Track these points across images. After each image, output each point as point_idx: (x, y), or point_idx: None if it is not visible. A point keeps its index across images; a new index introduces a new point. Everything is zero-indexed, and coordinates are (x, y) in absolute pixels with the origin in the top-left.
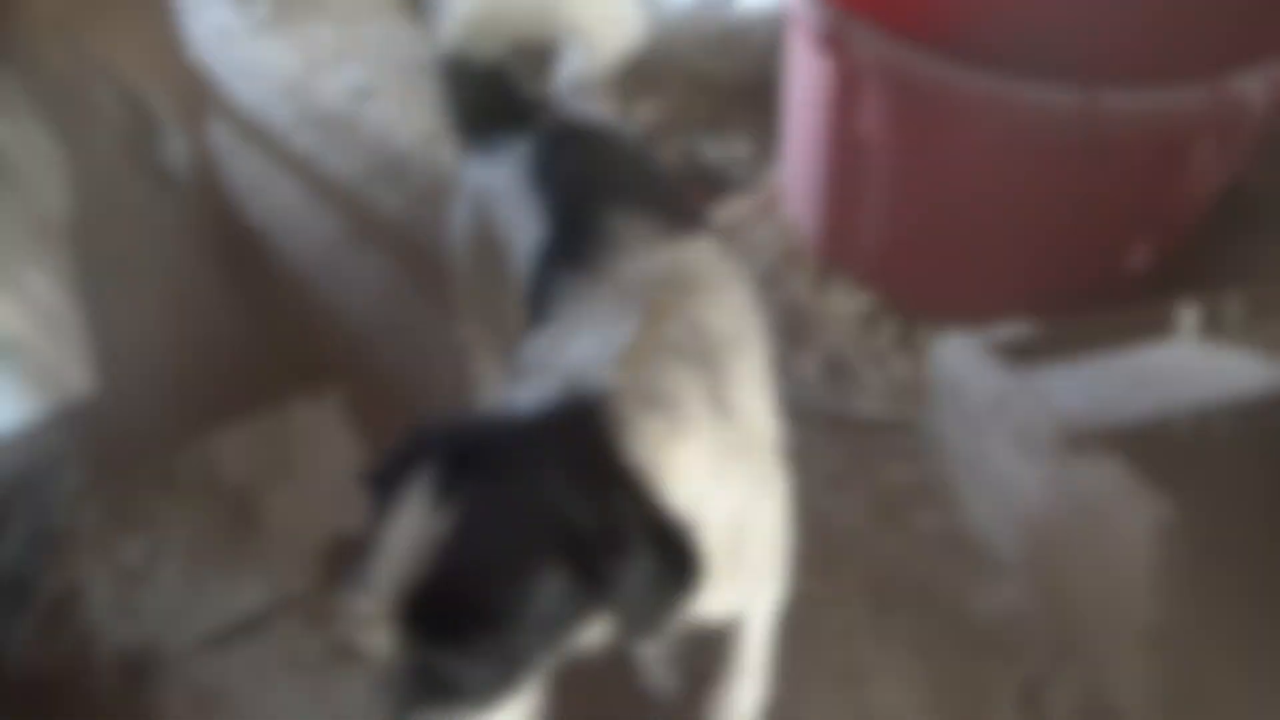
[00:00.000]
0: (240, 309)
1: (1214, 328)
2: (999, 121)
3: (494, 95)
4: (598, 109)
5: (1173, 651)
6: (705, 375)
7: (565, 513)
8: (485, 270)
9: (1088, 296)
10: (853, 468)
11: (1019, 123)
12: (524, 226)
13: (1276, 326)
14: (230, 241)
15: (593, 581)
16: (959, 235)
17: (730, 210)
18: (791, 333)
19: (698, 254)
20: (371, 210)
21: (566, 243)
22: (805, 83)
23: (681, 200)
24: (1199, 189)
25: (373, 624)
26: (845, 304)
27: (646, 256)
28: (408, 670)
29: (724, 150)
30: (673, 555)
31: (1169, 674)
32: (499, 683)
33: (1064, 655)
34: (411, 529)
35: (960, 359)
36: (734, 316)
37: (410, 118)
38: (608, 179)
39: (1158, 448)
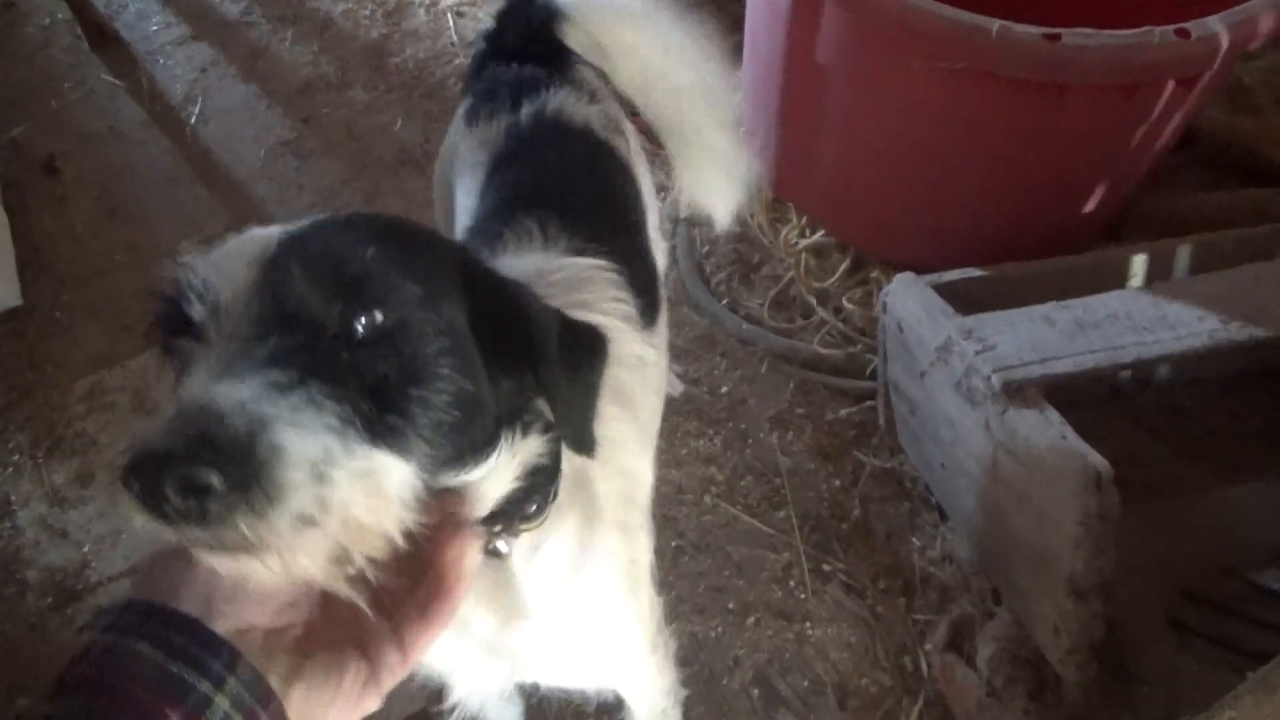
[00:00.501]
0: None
1: (1161, 277)
2: (960, 55)
3: (537, 48)
4: (593, 110)
5: (1098, 601)
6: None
7: (474, 267)
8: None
9: (1039, 242)
10: (799, 406)
11: (981, 57)
12: (463, 207)
13: (1223, 278)
14: None
15: (502, 329)
16: (913, 174)
17: None
18: (745, 266)
19: (586, 273)
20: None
21: (485, 224)
22: (765, 3)
23: (618, 223)
24: (1157, 136)
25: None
26: (799, 239)
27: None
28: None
29: None
30: (584, 339)
31: (1093, 623)
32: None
33: (993, 601)
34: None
35: (907, 301)
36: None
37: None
38: (546, 186)
39: (1096, 398)
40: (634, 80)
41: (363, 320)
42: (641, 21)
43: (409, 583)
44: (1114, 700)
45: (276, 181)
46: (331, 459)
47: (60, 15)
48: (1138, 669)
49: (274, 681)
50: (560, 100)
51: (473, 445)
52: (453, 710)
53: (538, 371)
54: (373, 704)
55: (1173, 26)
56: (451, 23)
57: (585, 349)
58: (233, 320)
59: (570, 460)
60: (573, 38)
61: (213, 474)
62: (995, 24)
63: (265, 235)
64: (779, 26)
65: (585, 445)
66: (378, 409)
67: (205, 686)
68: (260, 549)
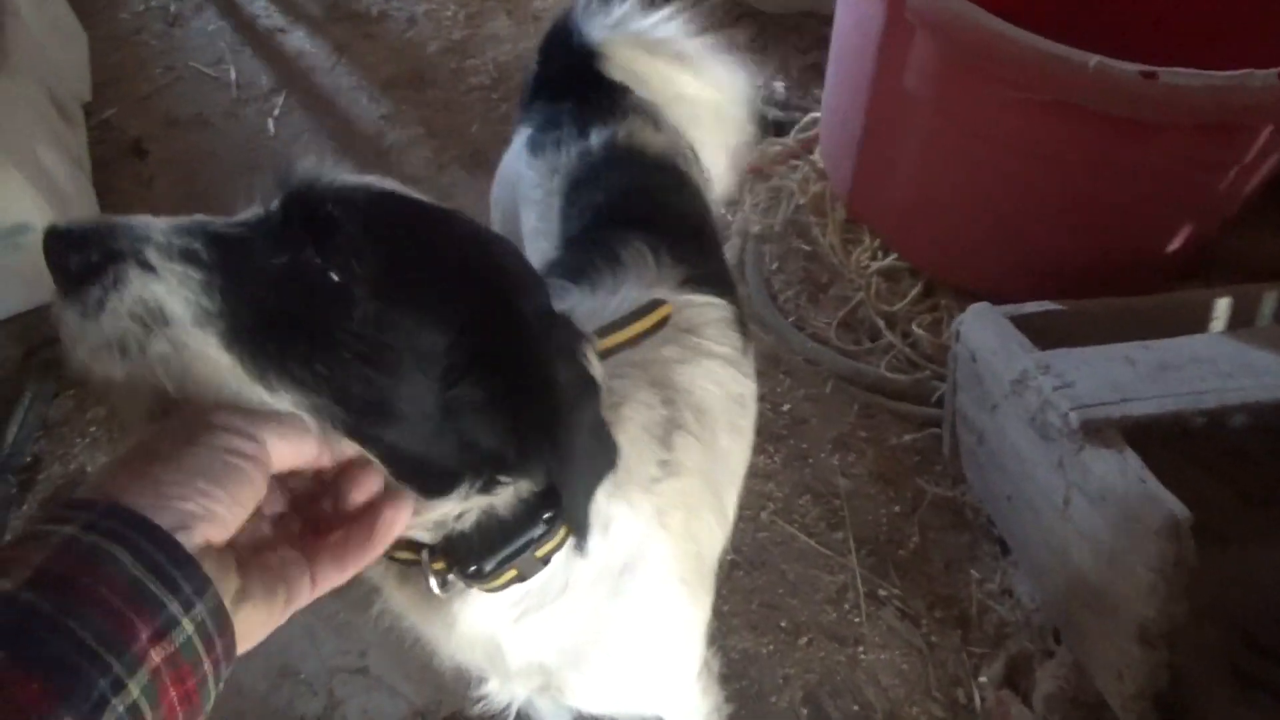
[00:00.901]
0: None
1: (1244, 322)
2: (1052, 88)
3: (584, 80)
4: (662, 139)
5: (1165, 649)
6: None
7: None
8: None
9: (1115, 278)
10: (861, 429)
11: (1074, 91)
12: (538, 232)
13: None
14: None
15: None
16: (992, 203)
17: (764, 151)
18: (814, 285)
19: (704, 315)
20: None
21: (570, 260)
22: (854, 26)
23: (711, 253)
24: (1248, 179)
25: None
26: (870, 261)
27: (651, 294)
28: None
29: (762, 85)
30: (605, 441)
31: (1158, 671)
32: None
33: (1053, 639)
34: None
35: (982, 332)
36: (714, 393)
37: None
38: (640, 211)
39: (1175, 442)
40: (667, 99)
41: (316, 258)
42: (672, 54)
43: (337, 527)
44: None
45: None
46: (164, 323)
47: (154, 2)
48: (1198, 718)
49: (225, 602)
50: (630, 127)
51: (389, 447)
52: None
53: (552, 450)
54: (277, 623)
55: (1275, 70)
56: (532, 28)
57: (604, 450)
58: (257, 198)
59: (636, 511)
60: (611, 70)
61: (72, 259)
62: (1092, 59)
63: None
64: (868, 52)
65: (580, 531)
66: (262, 330)
67: (175, 607)
68: (75, 340)
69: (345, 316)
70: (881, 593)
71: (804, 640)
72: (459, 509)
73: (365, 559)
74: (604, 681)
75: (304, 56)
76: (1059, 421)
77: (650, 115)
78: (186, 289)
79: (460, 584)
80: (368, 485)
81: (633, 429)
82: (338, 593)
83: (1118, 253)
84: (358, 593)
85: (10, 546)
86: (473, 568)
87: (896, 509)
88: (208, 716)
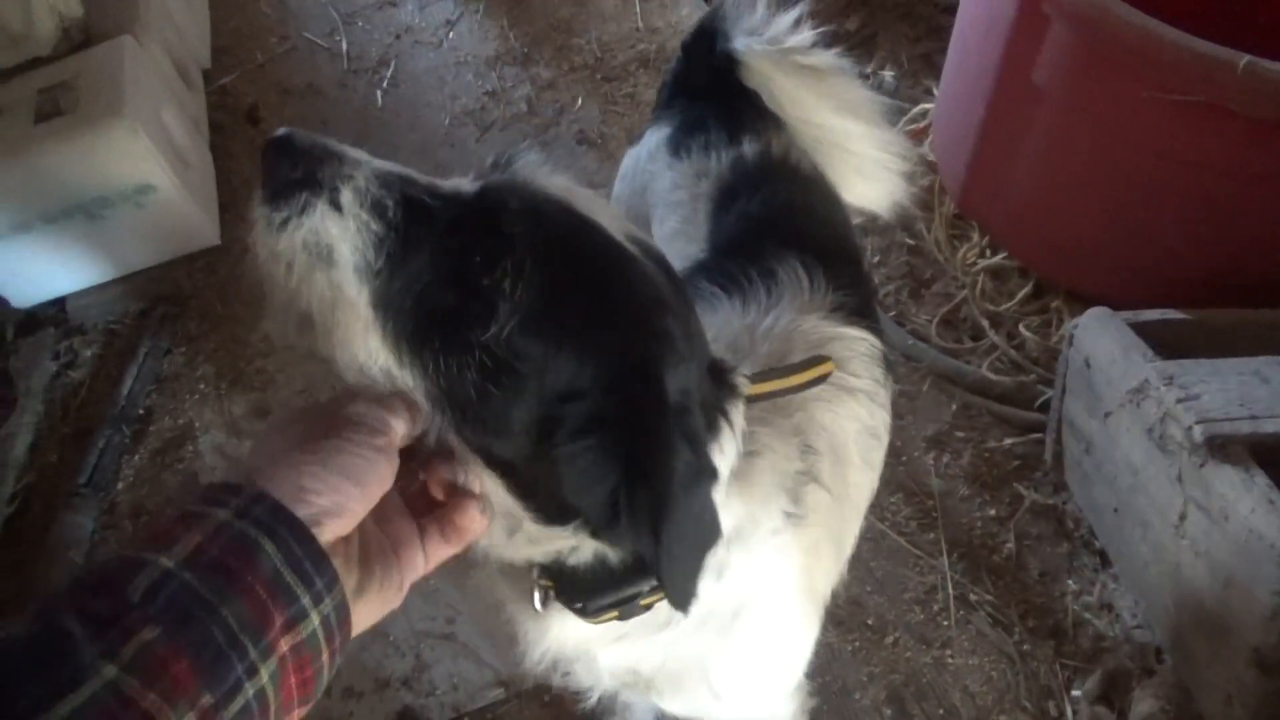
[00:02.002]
0: None
1: None
2: (1197, 88)
3: (730, 88)
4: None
5: None
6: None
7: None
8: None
9: (1240, 291)
10: (959, 429)
11: (1220, 92)
12: (680, 234)
13: None
14: None
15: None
16: (1117, 205)
17: None
18: (915, 280)
19: (852, 349)
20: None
21: (722, 267)
22: (981, 14)
23: (862, 280)
24: None
25: None
26: (978, 259)
27: (803, 321)
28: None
29: (872, 72)
30: (707, 519)
31: (1273, 700)
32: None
33: (1154, 658)
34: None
35: (1100, 338)
36: (851, 433)
37: None
38: (794, 228)
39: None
40: (799, 118)
41: (483, 267)
42: (809, 73)
43: (441, 509)
44: None
45: (458, 149)
46: (329, 261)
47: None
48: None
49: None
50: (786, 141)
51: (495, 461)
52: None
53: (651, 539)
54: (396, 603)
55: None
56: (638, 7)
57: (707, 533)
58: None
59: (754, 558)
60: (750, 81)
61: (281, 167)
62: (1242, 59)
63: (586, 195)
64: (995, 42)
65: (682, 605)
66: (410, 307)
67: (306, 601)
68: (254, 231)
69: (483, 327)
70: (972, 597)
71: (890, 640)
72: (572, 543)
73: (464, 540)
74: (698, 701)
75: (413, 30)
76: (1181, 435)
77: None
78: (361, 238)
79: (560, 607)
80: (446, 473)
81: (765, 481)
82: None
83: (1248, 264)
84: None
85: (170, 522)
86: (578, 604)
87: (992, 513)
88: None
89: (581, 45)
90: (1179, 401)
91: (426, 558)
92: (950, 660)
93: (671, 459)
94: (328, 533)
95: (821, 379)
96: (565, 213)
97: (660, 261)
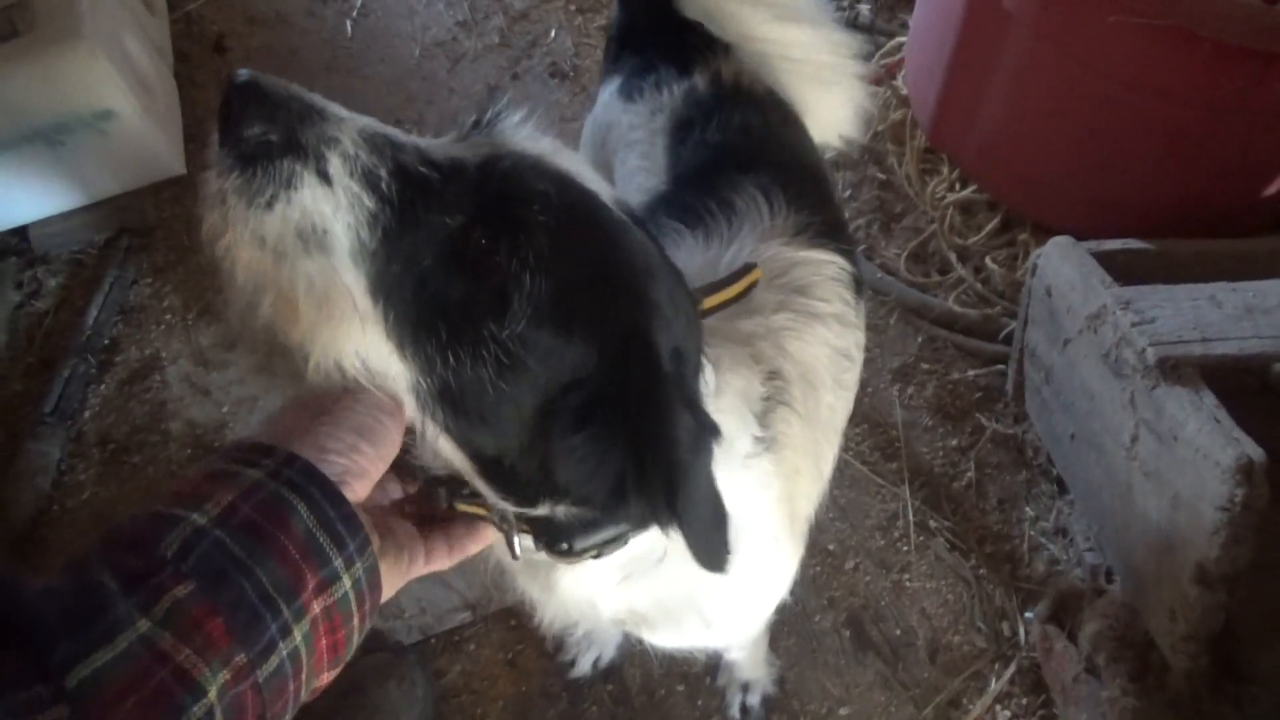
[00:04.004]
0: None
1: None
2: (1165, 11)
3: (672, 26)
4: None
5: (1224, 592)
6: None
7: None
8: None
9: (1204, 221)
10: (924, 361)
11: (1188, 16)
12: (640, 170)
13: None
14: None
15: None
16: (1085, 136)
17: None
18: (886, 215)
19: (819, 272)
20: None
21: (683, 199)
22: None
23: (826, 198)
24: None
25: None
26: (947, 193)
27: (765, 249)
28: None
29: (847, 7)
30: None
31: (1214, 614)
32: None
33: (1104, 579)
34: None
35: (1061, 266)
36: (821, 357)
37: None
38: (752, 152)
39: (1254, 385)
40: (742, 35)
41: (488, 252)
42: None
43: (447, 525)
44: (1219, 695)
45: (428, 81)
46: (321, 245)
47: None
48: (1249, 668)
49: None
50: (735, 66)
51: (482, 451)
52: None
53: (669, 509)
54: (397, 587)
55: None
56: None
57: (718, 516)
58: (449, 144)
59: (733, 484)
60: (689, 11)
61: (253, 126)
62: None
63: (571, 159)
64: None
65: (719, 567)
66: (409, 293)
67: (339, 563)
68: (227, 221)
69: (497, 319)
70: (932, 524)
71: (850, 565)
72: (553, 511)
73: (467, 551)
74: (690, 631)
75: None
76: (1134, 358)
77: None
78: (353, 214)
79: (543, 554)
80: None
81: (727, 407)
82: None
83: (1210, 195)
84: None
85: (199, 480)
86: (563, 545)
87: (954, 443)
88: None
89: None
90: (1134, 325)
91: (427, 558)
92: (908, 584)
93: (675, 430)
94: (350, 494)
95: (753, 285)
96: (573, 191)
97: (642, 223)
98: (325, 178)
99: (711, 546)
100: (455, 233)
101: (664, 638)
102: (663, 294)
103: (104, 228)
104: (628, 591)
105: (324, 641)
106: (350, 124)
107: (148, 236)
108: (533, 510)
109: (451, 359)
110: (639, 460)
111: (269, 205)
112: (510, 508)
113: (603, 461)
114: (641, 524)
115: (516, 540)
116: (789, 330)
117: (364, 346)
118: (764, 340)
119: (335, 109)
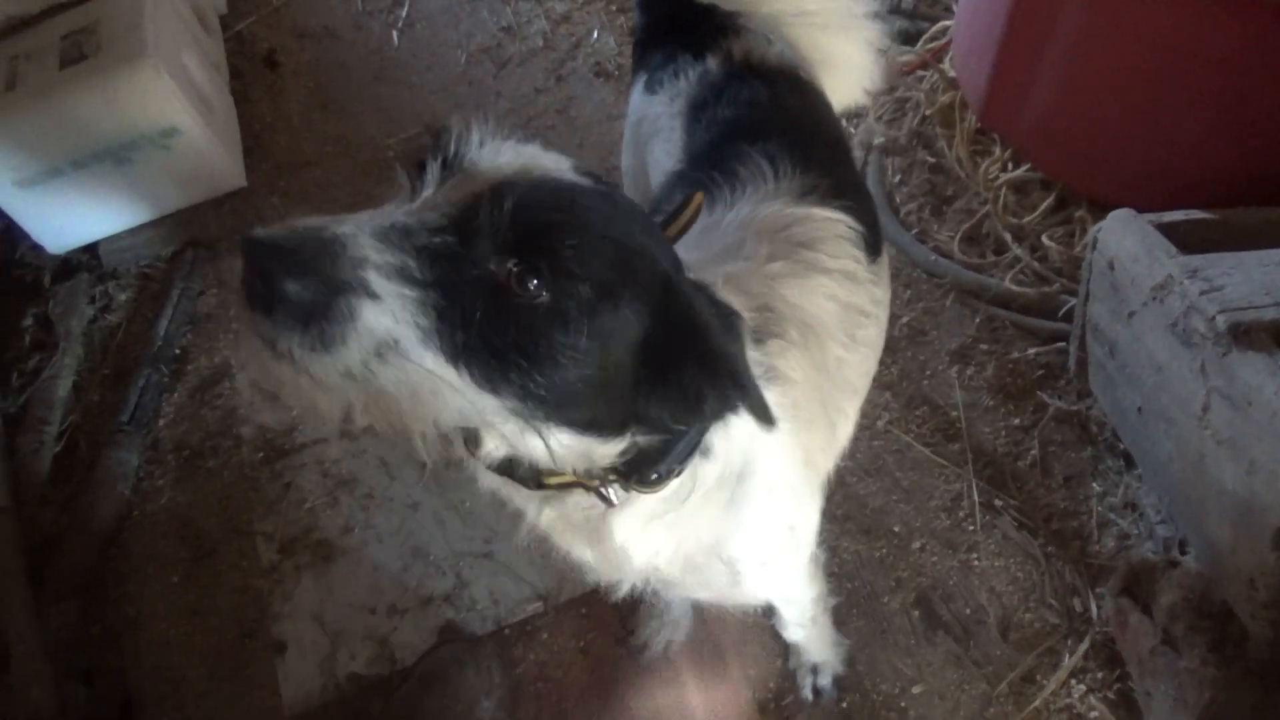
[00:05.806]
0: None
1: None
2: None
3: (688, 18)
4: (779, 48)
5: None
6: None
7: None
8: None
9: (1268, 192)
10: (983, 342)
11: None
12: (665, 155)
13: None
14: None
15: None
16: (1143, 109)
17: (891, 60)
18: (938, 198)
19: (822, 230)
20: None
21: (693, 174)
22: None
23: (840, 159)
24: None
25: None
26: (1000, 173)
27: (765, 208)
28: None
29: None
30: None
31: None
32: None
33: (1178, 551)
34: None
35: (1123, 238)
36: (827, 309)
37: None
38: (760, 121)
39: None
40: (749, 4)
41: (529, 282)
42: None
43: None
44: None
45: (475, 87)
46: (396, 350)
47: None
48: None
49: None
50: (745, 44)
51: (578, 423)
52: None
53: (736, 384)
54: None
55: None
56: None
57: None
58: (440, 200)
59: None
60: None
61: (289, 287)
62: None
63: (536, 157)
64: None
65: (770, 419)
66: (480, 346)
67: None
68: (294, 370)
69: (562, 330)
70: (997, 503)
71: (916, 545)
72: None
73: None
74: (718, 582)
75: None
76: (1204, 326)
77: (760, 31)
78: (408, 312)
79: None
80: None
81: None
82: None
83: (1273, 164)
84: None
85: None
86: (656, 473)
87: (1016, 422)
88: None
89: None
90: (1203, 294)
91: None
92: (976, 563)
93: (713, 329)
94: None
95: (698, 210)
96: (561, 188)
97: (597, 177)
98: (374, 295)
99: (762, 409)
100: (493, 279)
101: (700, 593)
102: (645, 230)
103: (170, 241)
104: (654, 536)
105: None
106: (362, 236)
107: (212, 248)
108: (622, 444)
109: (540, 378)
110: (705, 366)
111: (343, 342)
112: (600, 451)
113: (683, 383)
114: (717, 415)
115: (611, 491)
116: (785, 277)
117: (461, 404)
118: (751, 278)
119: (344, 228)
